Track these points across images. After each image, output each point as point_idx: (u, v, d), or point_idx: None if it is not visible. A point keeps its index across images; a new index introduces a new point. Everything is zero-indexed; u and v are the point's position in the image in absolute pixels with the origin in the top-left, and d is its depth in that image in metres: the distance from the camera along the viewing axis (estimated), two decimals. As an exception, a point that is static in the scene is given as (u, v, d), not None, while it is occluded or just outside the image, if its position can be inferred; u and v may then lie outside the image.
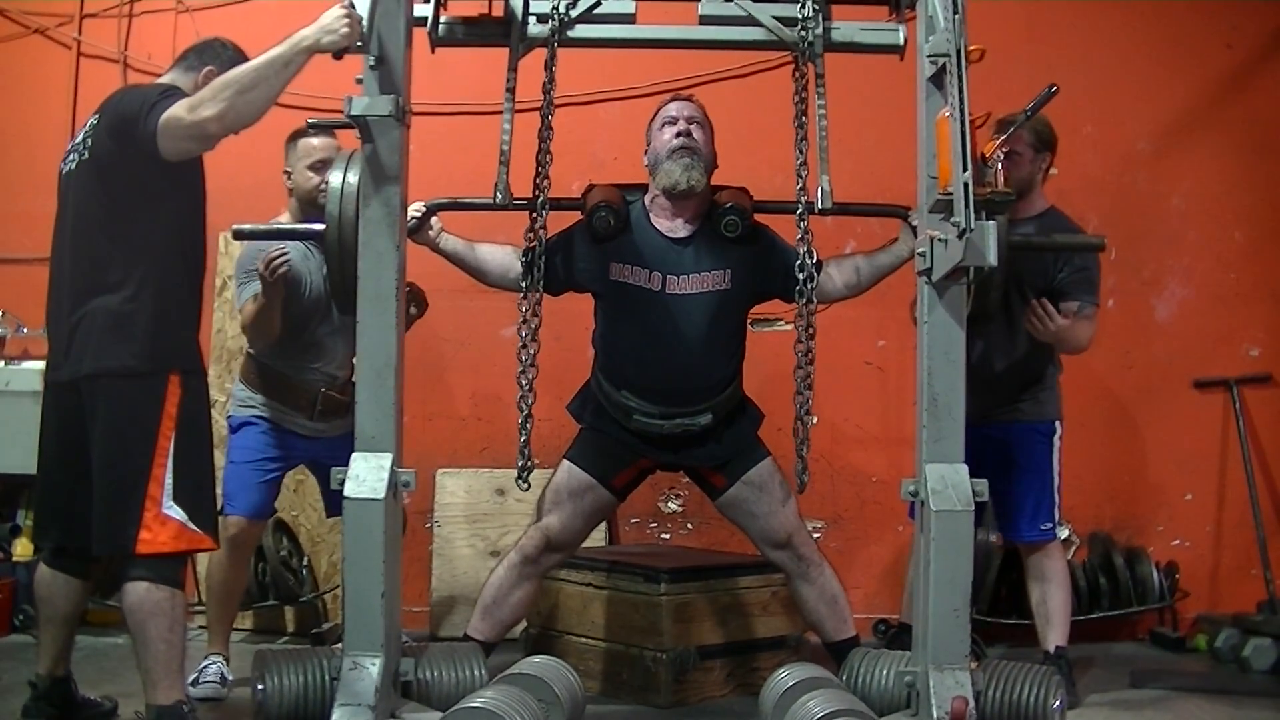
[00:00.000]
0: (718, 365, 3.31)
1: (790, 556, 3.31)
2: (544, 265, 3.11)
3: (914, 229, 3.11)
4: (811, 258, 3.09)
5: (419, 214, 3.18)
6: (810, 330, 3.07)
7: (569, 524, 3.32)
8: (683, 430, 3.27)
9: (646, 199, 3.36)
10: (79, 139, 2.86)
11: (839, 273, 3.34)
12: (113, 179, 2.76)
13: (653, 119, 3.40)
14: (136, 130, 2.69)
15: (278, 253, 3.32)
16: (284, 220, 3.67)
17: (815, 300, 3.09)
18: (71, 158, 2.87)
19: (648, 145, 3.37)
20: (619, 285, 3.29)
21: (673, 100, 3.41)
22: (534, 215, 3.11)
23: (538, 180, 3.08)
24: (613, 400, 3.31)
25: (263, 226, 3.43)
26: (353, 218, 2.79)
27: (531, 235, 3.13)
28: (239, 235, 3.18)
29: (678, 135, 3.28)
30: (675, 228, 3.32)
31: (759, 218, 3.35)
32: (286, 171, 3.66)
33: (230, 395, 3.79)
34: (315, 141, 3.62)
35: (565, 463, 3.37)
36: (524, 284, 3.12)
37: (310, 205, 3.56)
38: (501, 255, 3.31)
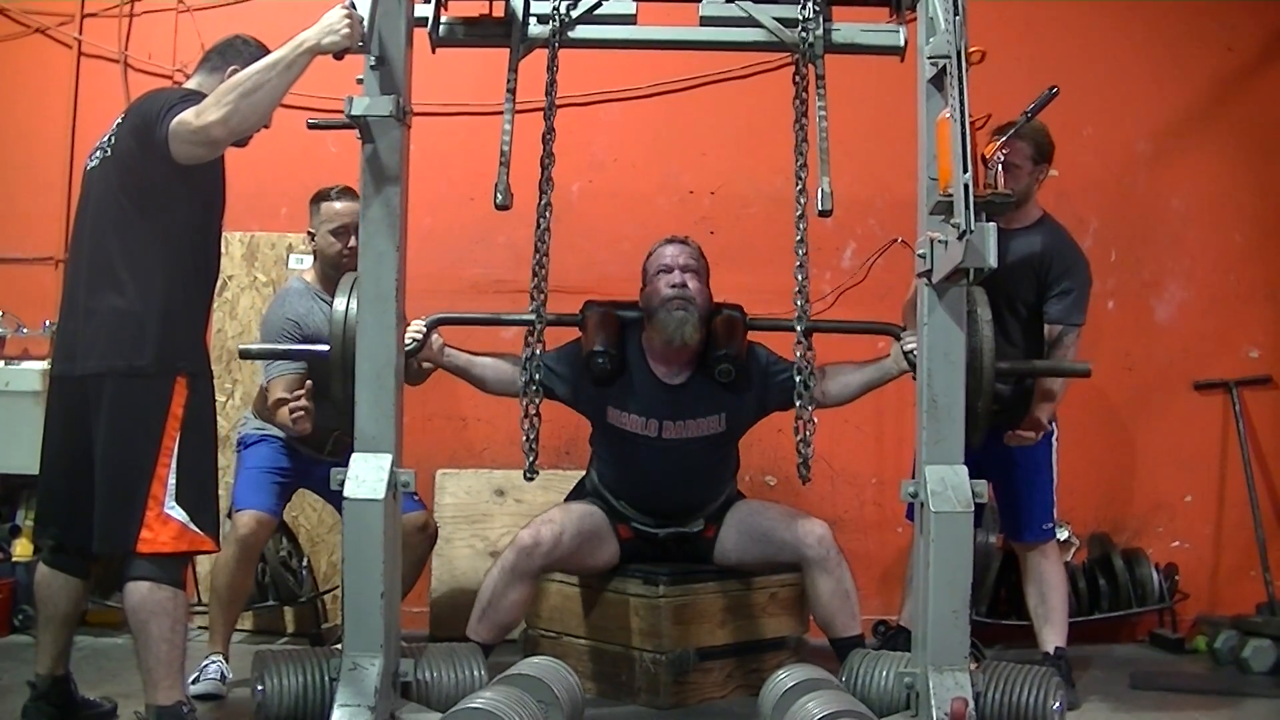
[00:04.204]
0: (712, 492, 3.53)
1: (814, 540, 3.38)
2: (545, 379, 3.17)
3: (906, 354, 3.16)
4: (809, 366, 3.06)
5: (420, 334, 3.21)
6: (809, 432, 3.05)
7: (569, 531, 3.38)
8: (677, 536, 3.49)
9: (644, 337, 3.42)
10: (105, 137, 2.89)
11: (829, 384, 3.38)
12: (130, 179, 2.78)
13: (649, 257, 3.46)
14: (152, 134, 2.72)
15: (297, 409, 3.35)
16: (309, 279, 3.75)
17: (813, 405, 3.07)
18: (96, 155, 2.89)
19: (644, 285, 3.43)
20: (616, 429, 3.41)
21: (668, 244, 3.45)
22: (531, 331, 3.07)
23: (540, 183, 3.07)
24: (611, 504, 3.49)
25: (268, 346, 3.45)
26: (354, 342, 2.79)
27: (530, 347, 3.09)
28: (245, 355, 3.23)
29: (672, 286, 3.33)
30: (672, 373, 3.41)
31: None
32: (310, 232, 3.71)
33: (241, 421, 3.87)
34: (338, 206, 3.66)
35: (584, 500, 3.53)
36: (523, 403, 3.08)
37: (334, 269, 3.60)
38: (504, 368, 3.37)
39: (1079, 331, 3.56)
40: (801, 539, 3.39)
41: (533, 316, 3.06)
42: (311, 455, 3.69)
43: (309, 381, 3.40)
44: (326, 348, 2.93)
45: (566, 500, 3.66)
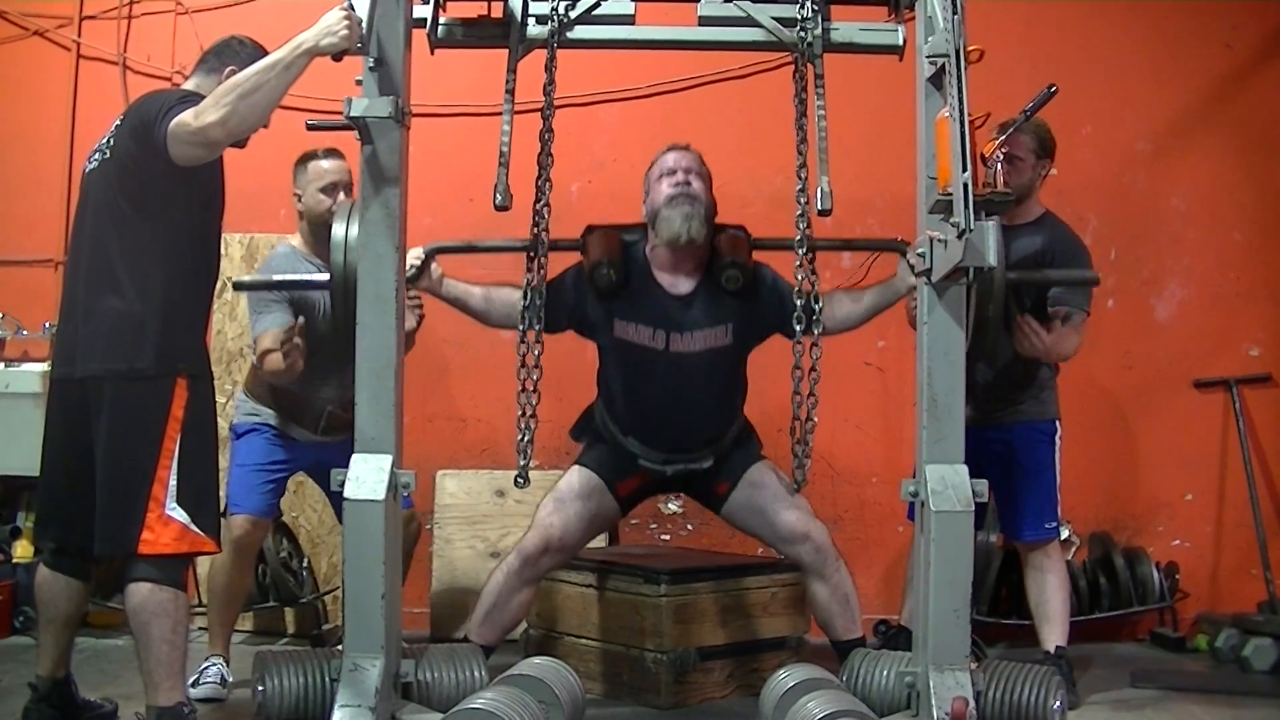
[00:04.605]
0: (719, 415, 3.42)
1: (810, 549, 3.34)
2: (546, 309, 3.06)
3: (911, 266, 3.11)
4: (813, 289, 3.03)
5: (418, 260, 3.20)
6: (816, 357, 3.01)
7: (571, 527, 3.34)
8: (685, 473, 3.39)
9: (647, 248, 3.38)
10: (104, 139, 2.89)
11: (836, 308, 3.36)
12: (130, 180, 2.79)
13: (650, 168, 3.42)
14: (151, 135, 2.72)
15: (288, 345, 3.37)
16: (295, 242, 3.71)
17: (819, 328, 3.02)
18: (95, 157, 2.89)
19: (646, 194, 3.39)
20: (623, 343, 3.35)
21: (670, 150, 3.43)
22: (532, 257, 3.06)
23: (539, 183, 3.07)
24: (618, 441, 3.40)
25: (264, 279, 3.45)
26: (356, 268, 2.79)
27: (532, 277, 3.07)
28: (239, 287, 3.21)
29: (676, 184, 3.30)
30: (677, 282, 3.36)
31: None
32: (296, 194, 3.69)
33: (235, 404, 3.83)
34: (326, 164, 3.64)
35: (574, 467, 3.44)
36: (522, 327, 3.06)
37: (321, 227, 3.57)
38: (504, 297, 3.33)
39: (1085, 317, 3.54)
40: (798, 543, 3.35)
41: (535, 242, 3.03)
42: (306, 438, 3.66)
43: (300, 319, 3.41)
44: (326, 276, 2.92)
45: (572, 431, 3.54)
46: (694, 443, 3.39)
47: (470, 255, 4.64)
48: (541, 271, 3.05)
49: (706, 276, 3.35)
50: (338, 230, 2.88)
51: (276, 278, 3.47)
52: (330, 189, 3.60)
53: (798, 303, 3.00)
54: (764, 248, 3.40)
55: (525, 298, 3.04)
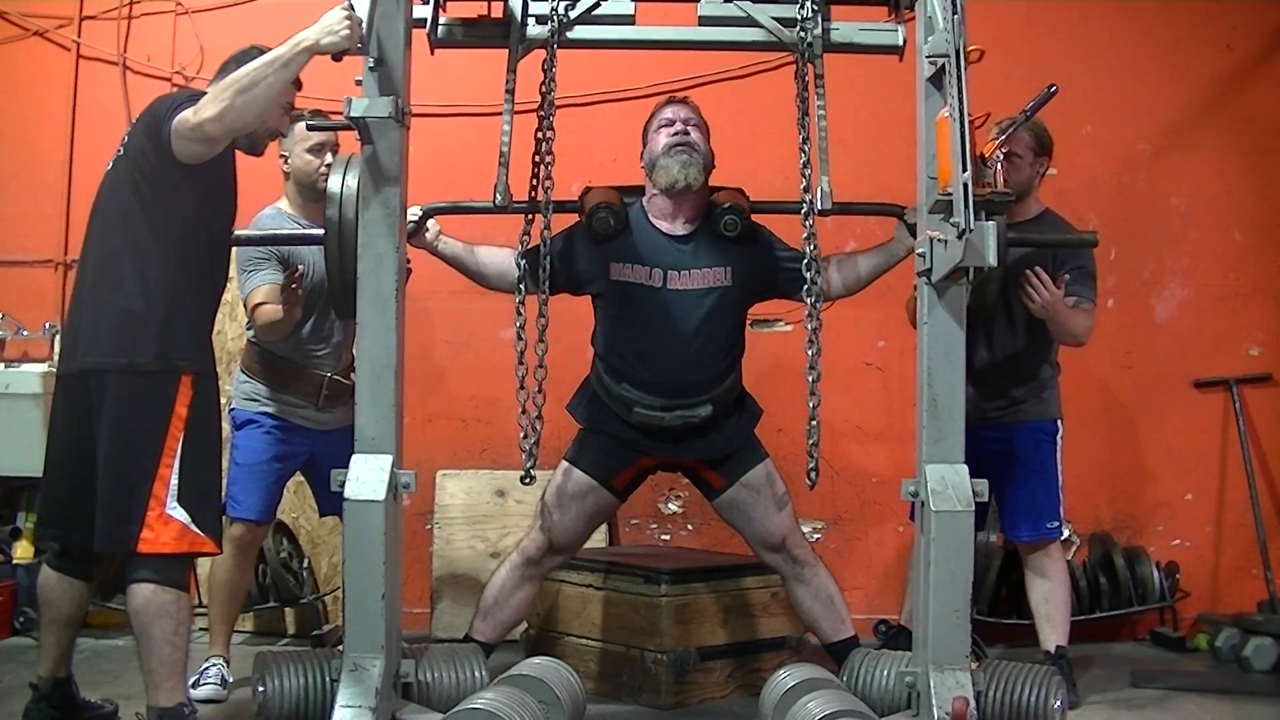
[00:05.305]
0: (717, 359, 3.33)
1: (785, 559, 3.33)
2: (541, 269, 3.08)
3: (910, 227, 3.11)
4: (817, 258, 3.06)
5: (415, 218, 3.19)
6: (817, 327, 3.03)
7: (570, 526, 3.33)
8: (683, 422, 3.29)
9: (644, 200, 3.38)
10: (123, 139, 2.90)
11: (838, 272, 3.36)
12: (140, 177, 2.80)
13: (649, 121, 3.41)
14: (160, 132, 2.74)
15: (296, 269, 3.39)
16: (283, 205, 3.69)
17: (821, 299, 3.06)
18: (113, 157, 2.90)
19: (644, 147, 3.38)
20: (620, 284, 3.31)
21: (668, 103, 3.42)
22: (530, 218, 3.09)
23: (538, 182, 3.08)
24: (613, 394, 3.32)
25: (259, 233, 3.46)
26: (353, 221, 2.80)
27: (528, 239, 3.12)
28: (235, 241, 3.20)
29: (674, 134, 3.29)
30: (675, 226, 3.34)
31: (757, 218, 3.37)
32: (283, 155, 3.66)
33: (233, 387, 3.78)
34: None
35: (565, 465, 3.39)
36: (521, 287, 3.10)
37: (309, 188, 3.58)
38: (501, 258, 3.32)
39: (1093, 305, 3.54)
40: (773, 552, 3.34)
41: (538, 201, 3.05)
42: (307, 419, 3.63)
43: (300, 266, 3.41)
44: (321, 231, 2.94)
45: (569, 404, 3.44)
46: (692, 385, 3.28)
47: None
48: (546, 230, 3.06)
49: (705, 222, 3.34)
50: (334, 183, 2.89)
51: (273, 231, 3.47)
52: (317, 149, 3.60)
53: (806, 271, 3.01)
54: (763, 211, 3.39)
55: (524, 257, 3.08)
